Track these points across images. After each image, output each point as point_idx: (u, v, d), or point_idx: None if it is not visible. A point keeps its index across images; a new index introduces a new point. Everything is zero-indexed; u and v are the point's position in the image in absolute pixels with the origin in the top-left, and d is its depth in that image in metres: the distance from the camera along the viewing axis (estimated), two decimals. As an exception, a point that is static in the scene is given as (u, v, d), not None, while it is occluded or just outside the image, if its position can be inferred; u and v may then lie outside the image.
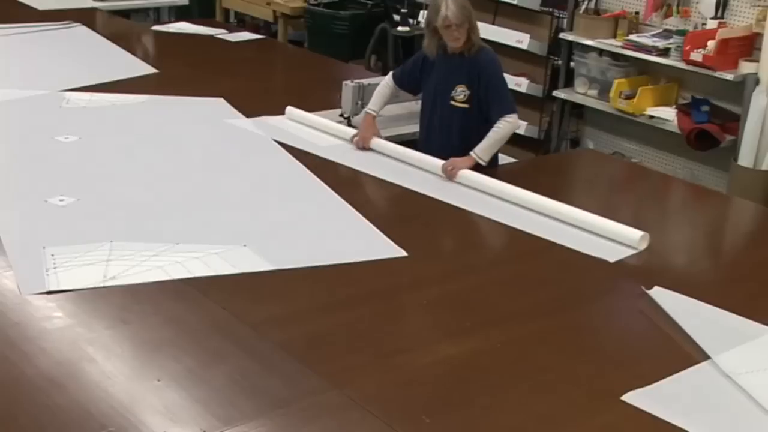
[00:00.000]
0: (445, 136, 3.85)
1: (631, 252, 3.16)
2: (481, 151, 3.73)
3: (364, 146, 3.98)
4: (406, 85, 4.07)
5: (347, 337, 2.57)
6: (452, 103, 3.85)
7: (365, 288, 2.88)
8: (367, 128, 4.02)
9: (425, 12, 6.26)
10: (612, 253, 3.15)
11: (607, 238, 3.24)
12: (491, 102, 3.79)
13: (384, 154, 3.95)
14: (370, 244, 3.13)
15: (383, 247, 3.10)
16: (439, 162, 3.76)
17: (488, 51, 3.85)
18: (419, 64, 3.97)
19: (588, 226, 3.31)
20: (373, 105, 4.06)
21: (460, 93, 3.83)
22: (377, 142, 4.00)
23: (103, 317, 2.59)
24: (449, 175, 3.70)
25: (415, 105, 4.54)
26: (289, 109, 4.41)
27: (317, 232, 3.26)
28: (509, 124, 3.75)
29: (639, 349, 2.66)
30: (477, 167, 3.77)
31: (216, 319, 2.60)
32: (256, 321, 2.59)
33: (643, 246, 3.20)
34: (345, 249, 3.09)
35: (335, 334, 2.58)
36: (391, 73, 4.12)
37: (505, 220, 3.39)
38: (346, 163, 3.88)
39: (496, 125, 3.75)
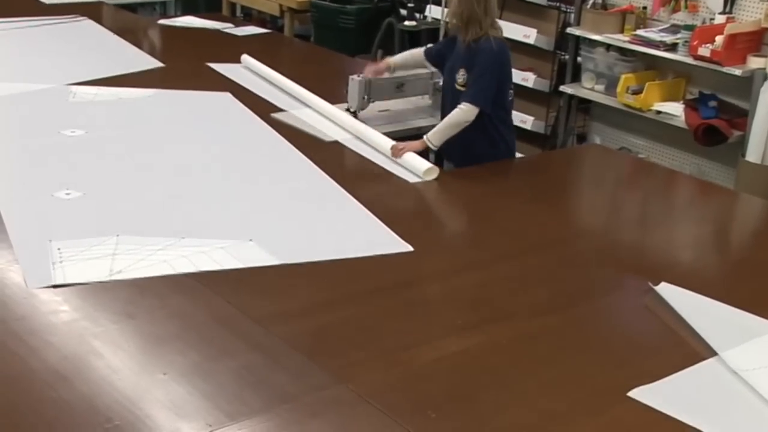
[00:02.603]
0: None
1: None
2: (432, 135, 3.81)
3: (371, 73, 4.25)
4: (433, 58, 4.18)
5: (353, 332, 2.57)
6: (456, 85, 3.88)
7: (371, 283, 2.87)
8: (376, 65, 4.32)
9: (431, 6, 6.29)
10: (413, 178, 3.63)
11: (404, 168, 3.71)
12: (466, 86, 3.82)
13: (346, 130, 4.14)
14: (376, 238, 3.13)
15: (389, 242, 3.09)
16: (391, 142, 3.88)
17: (490, 40, 3.78)
18: (448, 43, 4.05)
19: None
20: (394, 58, 4.32)
21: (461, 76, 3.84)
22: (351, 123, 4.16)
23: (110, 311, 2.58)
24: (396, 154, 3.77)
25: (421, 100, 4.55)
26: (244, 57, 4.82)
27: (323, 226, 3.25)
28: (462, 112, 3.76)
29: (646, 345, 2.65)
30: (473, 161, 3.85)
31: (222, 314, 2.60)
32: (262, 315, 2.59)
33: (431, 177, 3.59)
34: (351, 244, 3.09)
35: (341, 329, 2.58)
36: (424, 47, 4.27)
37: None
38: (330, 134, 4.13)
39: (453, 110, 3.79)
